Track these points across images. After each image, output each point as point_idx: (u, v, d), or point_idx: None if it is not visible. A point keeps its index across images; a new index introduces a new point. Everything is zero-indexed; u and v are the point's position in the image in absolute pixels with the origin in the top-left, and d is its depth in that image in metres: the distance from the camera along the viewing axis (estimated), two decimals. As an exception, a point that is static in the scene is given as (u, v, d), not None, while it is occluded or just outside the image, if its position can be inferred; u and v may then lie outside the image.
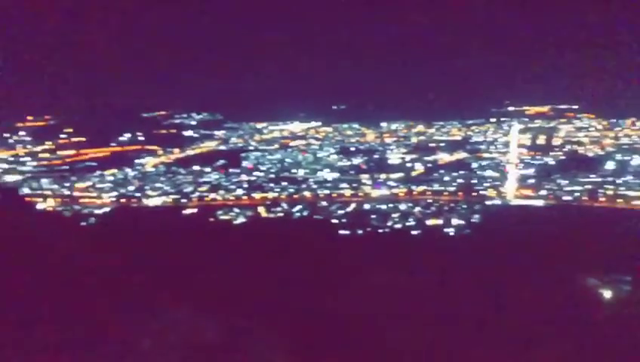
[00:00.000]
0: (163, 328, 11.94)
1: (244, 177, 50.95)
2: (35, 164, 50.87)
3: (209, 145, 58.12)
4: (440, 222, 42.73)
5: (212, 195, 47.91)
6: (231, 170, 51.87)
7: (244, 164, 53.46)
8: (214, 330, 12.76)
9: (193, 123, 60.42)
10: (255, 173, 51.85)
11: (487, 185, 49.47)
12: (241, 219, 42.76)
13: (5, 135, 52.94)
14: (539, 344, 14.67)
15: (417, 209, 45.25)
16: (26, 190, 44.70)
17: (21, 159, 51.22)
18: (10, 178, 47.43)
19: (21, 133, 53.76)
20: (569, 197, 46.39)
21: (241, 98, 62.28)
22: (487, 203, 46.88)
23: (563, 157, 53.43)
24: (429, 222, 42.83)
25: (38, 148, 52.68)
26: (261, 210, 45.33)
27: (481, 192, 48.54)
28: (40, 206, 41.62)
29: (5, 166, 49.79)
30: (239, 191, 48.40)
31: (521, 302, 16.99)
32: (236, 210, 44.88)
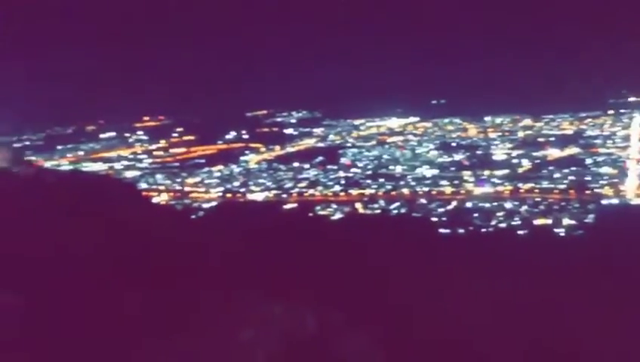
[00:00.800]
0: (262, 320, 12.28)
1: (341, 174, 51.25)
2: (150, 161, 54.86)
3: (308, 143, 59.17)
4: (549, 221, 40.09)
5: (311, 191, 48.73)
6: (329, 167, 52.41)
7: (342, 160, 53.76)
8: (311, 324, 12.91)
9: (293, 121, 61.84)
10: (352, 170, 51.94)
11: (604, 182, 45.55)
12: (338, 215, 43.06)
13: (126, 135, 57.65)
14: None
15: (524, 208, 42.78)
16: (143, 185, 48.31)
17: (139, 156, 55.46)
18: (129, 174, 51.51)
19: (139, 132, 58.27)
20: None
21: (339, 95, 62.68)
22: (603, 202, 43.14)
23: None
24: (537, 221, 40.34)
25: (153, 147, 56.76)
26: (358, 206, 45.35)
27: (595, 190, 44.79)
28: (155, 200, 44.76)
29: (125, 163, 54.16)
30: (337, 188, 48.77)
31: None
32: (334, 205, 45.27)
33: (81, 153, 55.05)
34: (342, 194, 47.92)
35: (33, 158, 45.25)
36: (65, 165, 50.96)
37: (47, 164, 48.02)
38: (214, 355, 10.90)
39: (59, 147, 54.70)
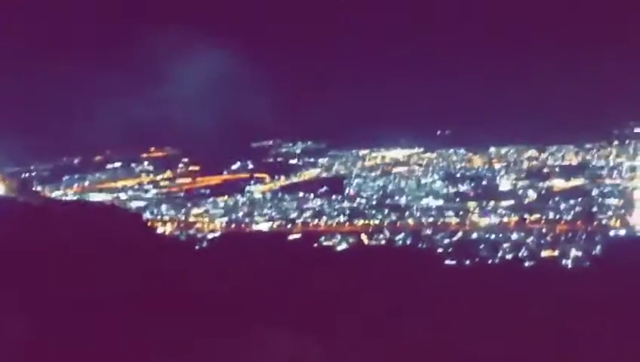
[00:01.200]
0: (267, 350, 12.14)
1: (346, 204, 51.24)
2: (156, 191, 55.02)
3: (312, 173, 59.33)
4: (556, 253, 39.73)
5: (315, 221, 48.66)
6: (333, 197, 52.40)
7: (347, 190, 53.81)
8: (316, 354, 12.76)
9: (298, 151, 62.13)
10: (357, 200, 51.92)
11: (610, 213, 45.27)
12: (343, 246, 42.87)
13: (132, 165, 58.01)
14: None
15: (530, 239, 42.48)
16: (148, 215, 48.36)
17: (145, 187, 55.64)
18: (134, 204, 51.63)
19: (145, 163, 58.62)
20: None
21: (344, 126, 63.10)
22: (611, 234, 42.80)
23: None
24: (544, 253, 39.99)
25: (159, 177, 57.01)
26: (363, 237, 45.17)
27: (603, 222, 44.48)
28: (160, 230, 44.75)
29: (131, 193, 54.34)
30: (342, 218, 48.70)
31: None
32: (339, 236, 45.13)
33: (87, 183, 55.35)
34: (347, 224, 47.82)
35: (39, 188, 45.59)
36: (71, 195, 51.21)
37: (54, 194, 48.35)
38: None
39: (65, 177, 55.06)
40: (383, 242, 43.94)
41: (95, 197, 51.71)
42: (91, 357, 10.01)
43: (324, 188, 53.88)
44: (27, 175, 52.44)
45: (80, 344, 10.37)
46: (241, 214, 50.90)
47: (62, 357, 9.95)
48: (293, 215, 49.93)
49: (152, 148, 59.93)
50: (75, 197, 49.79)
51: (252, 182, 56.65)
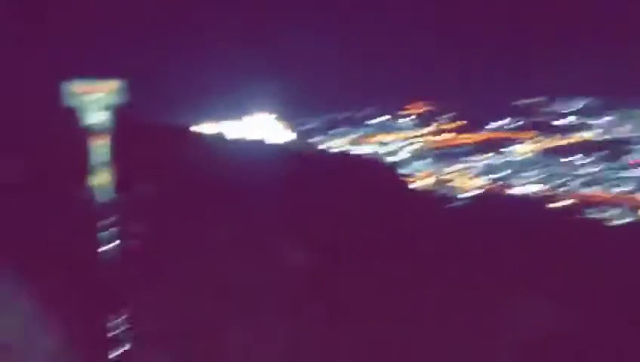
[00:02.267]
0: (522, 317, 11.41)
1: (626, 173, 44.48)
2: (415, 146, 56.53)
3: (589, 135, 52.71)
4: None
5: (587, 190, 43.73)
6: (611, 165, 46.10)
7: (628, 157, 46.59)
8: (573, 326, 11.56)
9: (573, 109, 55.69)
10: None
11: None
12: (619, 221, 37.35)
13: (394, 120, 60.57)
14: None
15: None
16: (404, 170, 50.06)
17: (405, 142, 57.66)
18: (394, 158, 54.04)
19: (406, 118, 60.47)
20: None
21: (630, 79, 53.62)
22: None
23: None
24: None
25: (419, 132, 58.22)
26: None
27: None
28: (412, 185, 45.89)
29: (392, 147, 56.99)
30: (621, 189, 42.52)
31: None
32: (614, 210, 39.63)
33: (353, 137, 59.92)
34: (625, 196, 41.65)
35: (311, 140, 51.37)
36: (336, 148, 56.37)
37: (322, 146, 53.99)
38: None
39: (332, 131, 60.59)
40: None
41: (358, 150, 55.71)
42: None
43: (601, 152, 47.77)
44: (303, 127, 59.46)
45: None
46: (501, 175, 49.06)
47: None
48: (560, 180, 45.95)
49: (414, 104, 61.10)
50: (339, 150, 54.63)
51: (516, 141, 53.63)
